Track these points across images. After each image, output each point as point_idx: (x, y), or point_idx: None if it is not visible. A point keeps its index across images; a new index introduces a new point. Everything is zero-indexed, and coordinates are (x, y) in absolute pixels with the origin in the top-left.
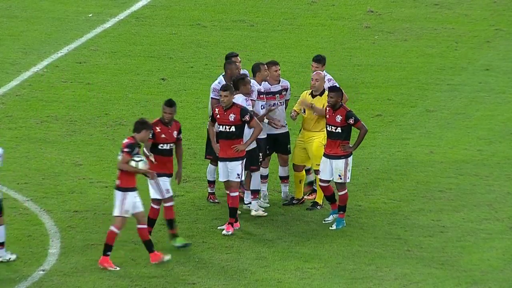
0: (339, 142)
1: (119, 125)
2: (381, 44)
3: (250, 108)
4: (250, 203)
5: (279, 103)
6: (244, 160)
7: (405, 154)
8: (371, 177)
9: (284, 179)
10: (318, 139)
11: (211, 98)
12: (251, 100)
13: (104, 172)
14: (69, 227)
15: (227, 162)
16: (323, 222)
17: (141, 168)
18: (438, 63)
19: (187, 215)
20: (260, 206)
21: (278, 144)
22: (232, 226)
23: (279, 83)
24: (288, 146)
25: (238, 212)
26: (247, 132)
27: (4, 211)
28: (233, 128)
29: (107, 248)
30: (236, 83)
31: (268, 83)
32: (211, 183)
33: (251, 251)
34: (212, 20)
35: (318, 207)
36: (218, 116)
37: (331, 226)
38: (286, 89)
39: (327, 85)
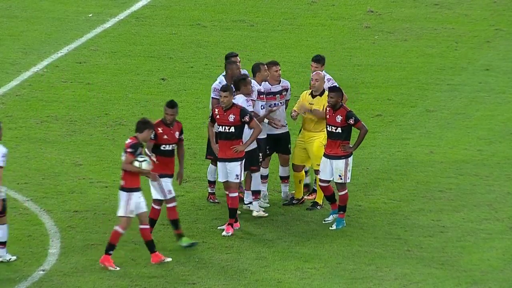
0: (339, 142)
1: (119, 125)
2: (381, 44)
3: (251, 108)
4: (250, 203)
5: (279, 104)
6: (243, 161)
7: (405, 154)
8: (371, 177)
9: (284, 179)
10: (318, 139)
11: (212, 98)
12: (251, 100)
13: (104, 172)
14: (69, 227)
15: (226, 163)
16: (323, 222)
17: (145, 168)
18: (438, 63)
19: (187, 215)
20: (260, 206)
21: (279, 144)
22: (232, 226)
23: (279, 83)
24: (289, 145)
25: (238, 212)
26: (247, 132)
27: (7, 210)
28: (232, 129)
29: (110, 247)
30: (237, 84)
31: (269, 83)
32: (212, 183)
33: (251, 251)
34: (212, 20)
35: (318, 207)
36: (217, 116)
37: (331, 226)
38: (286, 89)
39: (326, 85)
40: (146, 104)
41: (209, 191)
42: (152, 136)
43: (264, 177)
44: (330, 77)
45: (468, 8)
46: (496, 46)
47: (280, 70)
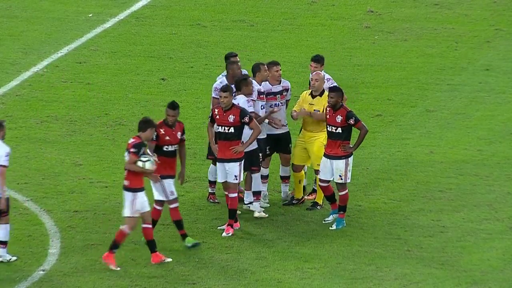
0: (340, 143)
1: (119, 125)
2: (381, 44)
3: (251, 109)
4: (250, 203)
5: (280, 104)
6: (243, 162)
7: (405, 154)
8: (371, 177)
9: (285, 179)
10: (319, 139)
11: (213, 97)
12: (252, 100)
13: (104, 172)
14: (69, 227)
15: (225, 163)
16: (323, 222)
17: (148, 168)
18: (438, 63)
19: (187, 215)
20: (261, 207)
21: (279, 144)
22: (232, 227)
23: (280, 84)
24: (290, 145)
25: (238, 212)
26: (247, 133)
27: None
28: (232, 129)
29: (115, 246)
30: (238, 84)
31: (269, 83)
32: (212, 183)
33: (251, 251)
34: (212, 20)
35: (318, 207)
36: (217, 117)
37: (331, 226)
38: (287, 90)
39: (326, 85)
40: (146, 104)
41: (209, 191)
42: (154, 137)
43: (264, 177)
44: (330, 76)
45: (468, 8)
46: (496, 46)
47: (280, 70)
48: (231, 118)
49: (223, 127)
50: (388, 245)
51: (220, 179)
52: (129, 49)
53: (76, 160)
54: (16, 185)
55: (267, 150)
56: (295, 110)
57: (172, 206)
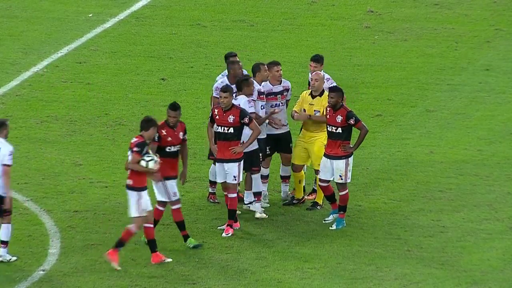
0: (340, 143)
1: (119, 125)
2: (381, 44)
3: (252, 109)
4: (250, 203)
5: (280, 104)
6: (242, 162)
7: (405, 154)
8: (371, 177)
9: (285, 178)
10: (319, 139)
11: (213, 97)
12: (252, 100)
13: (104, 172)
14: (69, 227)
15: (224, 164)
16: (323, 222)
17: (151, 168)
18: (438, 63)
19: (187, 215)
20: (261, 207)
21: (280, 143)
22: (231, 227)
23: (280, 84)
24: (290, 145)
25: (238, 212)
26: (247, 133)
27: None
28: (231, 130)
29: (120, 244)
30: (240, 84)
31: (270, 83)
32: (213, 183)
33: (251, 251)
34: (212, 20)
35: (318, 207)
36: (217, 117)
37: (331, 226)
38: (287, 90)
39: (326, 84)
40: (146, 104)
41: (209, 191)
42: (156, 138)
43: (264, 177)
44: (329, 76)
45: (468, 8)
46: (496, 46)
47: (281, 70)
48: (230, 118)
49: (222, 128)
50: (388, 245)
51: (219, 180)
52: (129, 49)
53: (76, 160)
54: (16, 185)
55: (267, 150)
56: (295, 111)
57: (174, 207)
